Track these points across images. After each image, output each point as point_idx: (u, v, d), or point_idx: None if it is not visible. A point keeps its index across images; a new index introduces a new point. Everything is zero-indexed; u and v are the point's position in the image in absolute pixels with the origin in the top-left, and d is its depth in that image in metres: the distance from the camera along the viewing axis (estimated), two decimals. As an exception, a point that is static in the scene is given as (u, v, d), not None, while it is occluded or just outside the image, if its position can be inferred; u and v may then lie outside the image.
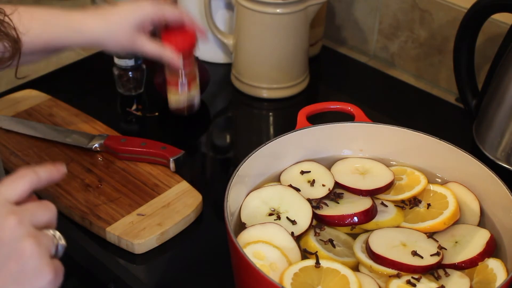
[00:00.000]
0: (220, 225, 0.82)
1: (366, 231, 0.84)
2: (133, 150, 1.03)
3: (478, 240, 0.82)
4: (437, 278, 0.77)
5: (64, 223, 0.95)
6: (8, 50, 0.69)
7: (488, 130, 1.07)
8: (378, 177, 0.91)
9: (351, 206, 0.86)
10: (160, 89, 1.18)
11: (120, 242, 0.92)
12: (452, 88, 1.25)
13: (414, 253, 0.79)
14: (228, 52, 1.29)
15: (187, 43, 1.03)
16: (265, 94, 1.23)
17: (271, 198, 0.86)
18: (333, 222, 0.84)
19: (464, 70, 1.12)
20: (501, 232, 0.84)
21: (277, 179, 0.91)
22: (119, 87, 1.21)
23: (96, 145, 1.05)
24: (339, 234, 0.84)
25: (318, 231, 0.83)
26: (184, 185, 1.00)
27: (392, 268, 0.77)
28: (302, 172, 0.91)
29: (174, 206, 0.96)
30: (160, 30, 1.02)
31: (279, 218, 0.83)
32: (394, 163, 0.95)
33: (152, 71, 1.20)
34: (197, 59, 1.18)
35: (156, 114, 1.18)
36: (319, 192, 0.89)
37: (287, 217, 0.83)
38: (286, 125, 0.97)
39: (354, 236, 0.83)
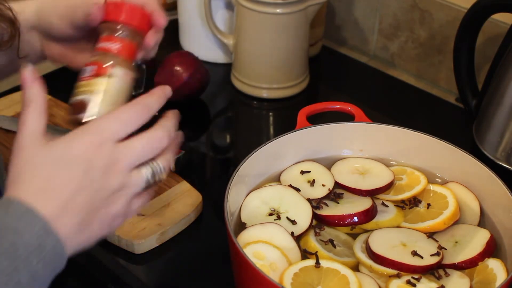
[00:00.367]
0: (220, 225, 0.82)
1: (366, 231, 0.84)
2: (133, 150, 1.03)
3: (478, 240, 0.82)
4: (438, 278, 0.77)
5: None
6: (6, 31, 0.69)
7: (488, 130, 1.07)
8: (378, 177, 0.91)
9: (351, 206, 0.86)
10: (160, 89, 1.18)
11: (120, 242, 0.92)
12: (452, 88, 1.25)
13: (414, 253, 0.79)
14: (228, 52, 1.29)
15: (136, 19, 0.74)
16: (265, 94, 1.23)
17: (271, 198, 0.86)
18: (333, 222, 0.84)
19: (464, 70, 1.12)
20: (501, 232, 0.84)
21: (277, 179, 0.91)
22: (119, 87, 1.21)
23: (96, 145, 1.05)
24: (339, 234, 0.84)
25: (318, 231, 0.83)
26: (184, 185, 1.00)
27: (392, 268, 0.77)
28: (302, 172, 0.91)
29: (174, 206, 0.96)
30: None
31: (279, 218, 0.83)
32: (394, 163, 0.95)
33: (152, 71, 1.20)
34: (197, 59, 1.19)
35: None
36: (319, 192, 0.89)
37: (287, 217, 0.83)
38: (286, 125, 0.97)
39: (354, 236, 0.83)
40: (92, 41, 0.76)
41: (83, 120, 0.67)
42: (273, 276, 0.75)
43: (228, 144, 1.19)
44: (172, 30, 1.39)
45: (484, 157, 1.05)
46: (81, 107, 0.68)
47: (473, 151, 0.94)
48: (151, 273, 0.91)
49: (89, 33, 0.78)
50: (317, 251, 0.79)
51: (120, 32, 0.71)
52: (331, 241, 0.81)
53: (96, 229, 0.63)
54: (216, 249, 0.90)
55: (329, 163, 0.93)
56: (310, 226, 0.83)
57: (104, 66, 0.69)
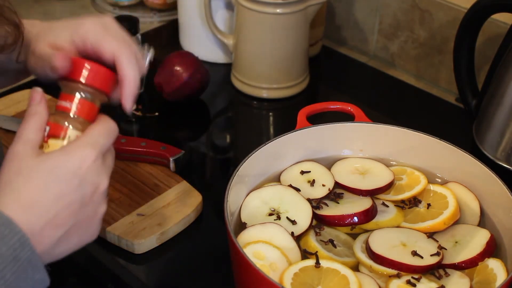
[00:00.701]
0: (220, 225, 0.82)
1: (366, 231, 0.84)
2: (133, 150, 1.03)
3: (478, 240, 0.82)
4: (439, 278, 0.77)
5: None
6: (10, 35, 0.69)
7: (488, 130, 1.07)
8: (378, 177, 0.91)
9: (351, 206, 0.86)
10: (160, 89, 1.18)
11: (120, 242, 0.92)
12: (452, 88, 1.25)
13: (414, 253, 0.79)
14: (228, 52, 1.29)
15: (101, 78, 0.68)
16: (265, 94, 1.23)
17: (271, 198, 0.86)
18: (333, 222, 0.84)
19: (464, 70, 1.12)
20: (501, 232, 0.84)
21: (277, 179, 0.91)
22: (119, 87, 1.21)
23: (96, 145, 1.05)
24: (339, 234, 0.84)
25: (318, 231, 0.83)
26: (184, 185, 1.00)
27: (392, 268, 0.77)
28: (302, 172, 0.91)
29: (174, 206, 0.96)
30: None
31: (279, 218, 0.83)
32: (394, 163, 0.95)
33: (152, 71, 1.20)
34: (197, 59, 1.19)
35: (156, 114, 1.18)
36: (319, 192, 0.89)
37: (287, 217, 0.83)
38: (286, 125, 0.97)
39: (354, 236, 0.83)
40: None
41: None
42: (273, 276, 0.75)
43: (228, 144, 1.19)
44: (172, 30, 1.39)
45: (484, 157, 1.05)
46: None
47: (473, 151, 0.94)
48: (151, 273, 0.91)
49: None
50: (317, 251, 0.79)
51: (80, 92, 0.67)
52: (331, 241, 0.81)
53: (76, 241, 0.64)
54: (216, 249, 0.90)
55: (329, 163, 0.93)
56: (310, 226, 0.83)
57: (59, 127, 0.65)
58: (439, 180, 0.92)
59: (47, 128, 0.65)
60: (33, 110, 0.64)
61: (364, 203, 0.86)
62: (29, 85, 1.21)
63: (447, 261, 0.80)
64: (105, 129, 0.65)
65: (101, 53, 0.68)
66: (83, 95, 0.66)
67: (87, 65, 0.66)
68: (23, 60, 0.75)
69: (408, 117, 1.20)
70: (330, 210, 0.85)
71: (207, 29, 1.27)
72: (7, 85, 0.84)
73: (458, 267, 0.79)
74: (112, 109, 1.21)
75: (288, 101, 1.24)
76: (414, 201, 0.88)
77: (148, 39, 1.36)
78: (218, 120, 1.23)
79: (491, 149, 1.06)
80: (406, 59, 1.33)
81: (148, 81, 1.22)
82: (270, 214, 0.84)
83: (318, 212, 0.85)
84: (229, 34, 1.26)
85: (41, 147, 0.64)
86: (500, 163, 1.05)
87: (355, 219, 0.84)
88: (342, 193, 0.89)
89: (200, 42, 1.31)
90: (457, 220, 0.86)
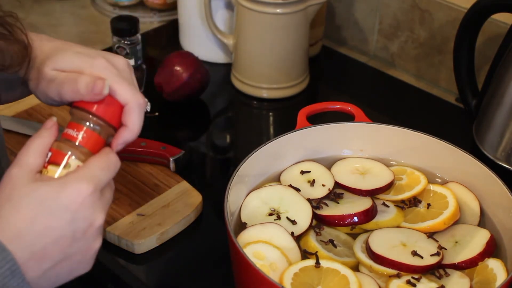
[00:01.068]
0: (220, 225, 0.82)
1: (366, 231, 0.84)
2: (133, 150, 1.03)
3: (478, 240, 0.82)
4: (439, 277, 0.77)
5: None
6: (17, 54, 0.68)
7: (488, 130, 1.07)
8: (378, 177, 0.91)
9: (351, 206, 0.86)
10: (160, 89, 1.18)
11: (120, 242, 0.92)
12: (452, 88, 1.25)
13: (414, 253, 0.79)
14: (228, 52, 1.29)
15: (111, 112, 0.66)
16: (265, 94, 1.23)
17: (271, 198, 0.86)
18: (333, 222, 0.84)
19: (464, 70, 1.12)
20: (501, 232, 0.84)
21: (277, 179, 0.91)
22: (119, 87, 1.21)
23: (96, 145, 1.05)
24: (339, 234, 0.84)
25: (318, 231, 0.83)
26: (184, 185, 1.00)
27: (392, 268, 0.77)
28: (302, 172, 0.91)
29: (174, 206, 0.96)
30: None
31: (279, 218, 0.83)
32: (394, 163, 0.95)
33: (152, 71, 1.20)
34: (197, 59, 1.19)
35: (156, 114, 1.18)
36: (319, 192, 0.89)
37: (287, 217, 0.83)
38: (286, 125, 0.97)
39: (354, 236, 0.83)
40: None
41: None
42: (273, 276, 0.75)
43: (228, 144, 1.19)
44: (172, 30, 1.39)
45: (484, 157, 1.05)
46: None
47: (473, 151, 0.94)
48: (151, 273, 0.91)
49: None
50: (317, 251, 0.79)
51: (89, 122, 0.64)
52: (331, 241, 0.81)
53: (66, 274, 0.62)
54: (216, 249, 0.90)
55: (329, 163, 0.93)
56: (310, 226, 0.83)
57: (61, 154, 0.63)
58: (439, 180, 0.92)
59: (49, 154, 0.63)
60: (38, 134, 0.63)
61: (364, 203, 0.86)
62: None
63: (447, 261, 0.80)
64: (106, 163, 0.63)
65: (113, 95, 0.66)
66: (91, 126, 0.64)
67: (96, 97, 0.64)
68: (26, 79, 0.75)
69: (408, 117, 1.20)
70: (330, 210, 0.85)
71: (207, 29, 1.27)
72: (13, 100, 0.83)
73: (458, 267, 0.79)
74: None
75: (288, 101, 1.24)
76: (414, 201, 0.88)
77: (148, 39, 1.36)
78: (218, 120, 1.23)
79: (491, 149, 1.06)
80: (406, 59, 1.33)
81: (148, 81, 1.22)
82: (270, 214, 0.84)
83: (318, 212, 0.85)
84: (229, 34, 1.26)
85: (41, 172, 0.62)
86: (500, 163, 1.05)
87: (355, 219, 0.84)
88: (342, 193, 0.89)
89: (200, 42, 1.31)
90: (457, 220, 0.86)
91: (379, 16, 1.33)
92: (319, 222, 0.85)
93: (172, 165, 1.02)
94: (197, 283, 0.90)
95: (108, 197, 0.64)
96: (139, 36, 1.18)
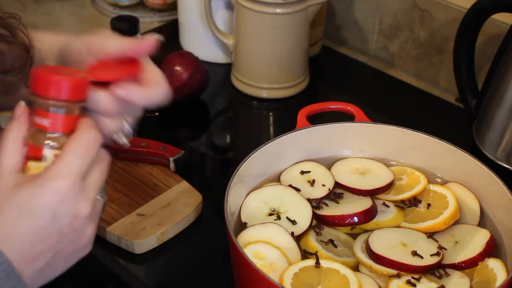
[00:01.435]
0: (220, 225, 0.82)
1: (366, 231, 0.84)
2: (133, 150, 1.03)
3: (478, 240, 0.82)
4: (439, 277, 0.77)
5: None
6: (19, 57, 0.68)
7: (488, 130, 1.07)
8: (378, 177, 0.91)
9: (351, 206, 0.86)
10: (160, 89, 1.18)
11: (120, 242, 0.92)
12: (452, 88, 1.25)
13: (414, 253, 0.79)
14: (228, 52, 1.29)
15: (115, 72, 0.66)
16: (265, 94, 1.23)
17: (271, 198, 0.86)
18: (333, 222, 0.84)
19: (464, 70, 1.12)
20: (501, 232, 0.84)
21: (277, 179, 0.91)
22: (119, 87, 1.21)
23: (96, 145, 1.05)
24: (339, 234, 0.84)
25: (318, 231, 0.83)
26: (184, 185, 1.00)
27: (392, 268, 0.77)
28: (302, 172, 0.91)
29: (174, 206, 0.96)
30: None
31: (279, 218, 0.83)
32: (394, 163, 0.95)
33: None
34: (197, 59, 1.19)
35: (156, 114, 1.18)
36: (319, 192, 0.88)
37: (287, 217, 0.83)
38: (286, 125, 0.97)
39: (354, 236, 0.83)
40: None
41: None
42: (273, 276, 0.75)
43: (228, 144, 1.19)
44: (172, 30, 1.39)
45: (484, 157, 1.05)
46: None
47: (473, 151, 0.94)
48: (151, 273, 0.91)
49: None
50: (317, 251, 0.79)
51: (52, 108, 0.60)
52: (331, 241, 0.81)
53: (61, 266, 0.62)
54: (216, 249, 0.90)
55: (329, 163, 0.93)
56: (310, 226, 0.83)
57: (37, 148, 0.61)
58: (439, 180, 0.92)
59: (25, 149, 0.61)
60: (10, 127, 0.60)
61: (364, 203, 0.86)
62: (29, 85, 1.21)
63: (447, 261, 0.80)
64: (83, 146, 0.60)
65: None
66: (57, 110, 0.61)
67: (50, 79, 0.60)
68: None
69: (408, 117, 1.20)
70: (330, 210, 0.85)
71: (207, 29, 1.27)
72: (9, 107, 0.83)
73: (458, 267, 0.79)
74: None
75: (288, 101, 1.24)
76: (414, 201, 0.88)
77: (148, 39, 1.36)
78: (218, 120, 1.23)
79: (491, 149, 1.06)
80: (406, 59, 1.33)
81: (148, 81, 1.21)
82: (270, 214, 0.84)
83: (318, 212, 0.85)
84: (229, 34, 1.26)
85: (23, 170, 0.61)
86: (500, 163, 1.05)
87: (355, 219, 0.84)
88: (342, 193, 0.89)
89: (200, 42, 1.31)
90: (457, 220, 0.86)
91: (379, 16, 1.33)
92: (319, 222, 0.85)
93: (172, 165, 1.02)
94: (197, 283, 0.90)
95: (96, 178, 0.62)
96: (139, 36, 1.18)
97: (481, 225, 0.85)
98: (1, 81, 0.74)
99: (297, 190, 0.88)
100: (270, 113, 1.25)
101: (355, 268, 0.79)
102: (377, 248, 0.79)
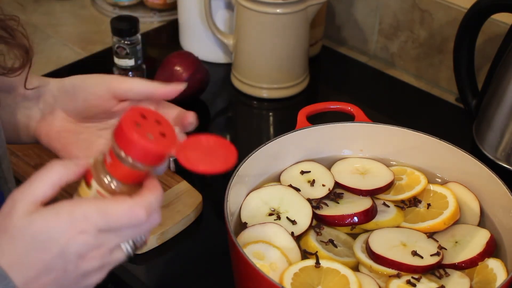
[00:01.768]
0: (220, 225, 0.82)
1: (366, 231, 0.84)
2: (133, 150, 1.03)
3: (478, 240, 0.82)
4: (439, 277, 0.77)
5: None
6: (19, 59, 0.68)
7: (488, 130, 1.07)
8: (378, 177, 0.91)
9: (351, 206, 0.86)
10: (160, 89, 1.17)
11: (120, 242, 0.92)
12: (452, 88, 1.25)
13: (414, 253, 0.79)
14: (228, 52, 1.29)
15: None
16: (265, 94, 1.23)
17: (271, 198, 0.86)
18: (333, 222, 0.84)
19: (464, 70, 1.12)
20: (501, 232, 0.84)
21: (277, 179, 0.91)
22: (119, 87, 1.21)
23: (96, 145, 1.05)
24: (339, 234, 0.84)
25: (318, 231, 0.83)
26: (184, 185, 1.00)
27: (392, 268, 0.77)
28: (302, 172, 0.91)
29: (174, 206, 0.96)
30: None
31: (279, 218, 0.83)
32: (394, 163, 0.95)
33: (152, 71, 1.20)
34: (197, 59, 1.19)
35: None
36: (319, 192, 0.89)
37: (287, 217, 0.83)
38: (286, 125, 0.97)
39: (354, 236, 0.83)
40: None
41: None
42: (273, 276, 0.75)
43: (228, 144, 1.19)
44: (172, 30, 1.39)
45: (484, 157, 1.05)
46: None
47: (473, 151, 0.94)
48: (151, 273, 0.91)
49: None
50: (317, 251, 0.79)
51: (122, 158, 0.59)
52: (331, 241, 0.81)
53: None
54: (216, 249, 0.90)
55: (329, 163, 0.93)
56: (310, 226, 0.83)
57: (92, 174, 0.61)
58: (439, 180, 0.92)
59: (81, 169, 0.61)
60: (64, 164, 0.61)
61: (364, 203, 0.86)
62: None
63: (447, 261, 0.80)
64: (109, 211, 0.59)
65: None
66: (125, 162, 0.59)
67: (134, 141, 0.58)
68: (35, 86, 0.76)
69: (408, 117, 1.20)
70: (330, 210, 0.85)
71: (207, 29, 1.27)
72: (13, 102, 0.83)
73: (458, 267, 0.79)
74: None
75: (288, 101, 1.24)
76: (414, 201, 0.88)
77: (148, 39, 1.36)
78: (218, 120, 1.23)
79: (491, 149, 1.06)
80: (406, 59, 1.33)
81: (148, 81, 1.21)
82: (270, 214, 0.84)
83: (318, 212, 0.85)
84: (229, 34, 1.26)
85: (78, 187, 0.61)
86: (500, 163, 1.05)
87: (355, 219, 0.84)
88: (342, 193, 0.89)
89: (200, 42, 1.31)
90: (457, 220, 0.86)
91: (379, 16, 1.33)
92: (319, 222, 0.85)
93: (172, 165, 1.02)
94: (197, 283, 0.90)
95: (124, 235, 0.60)
96: (139, 36, 1.18)
97: (481, 225, 0.85)
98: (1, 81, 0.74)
99: (297, 190, 0.88)
100: (270, 113, 1.25)
101: (355, 268, 0.79)
102: (377, 248, 0.79)
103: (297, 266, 0.76)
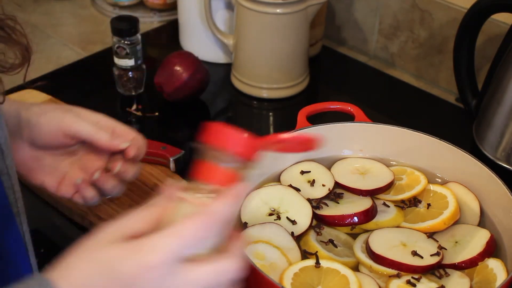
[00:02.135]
0: (220, 225, 0.81)
1: (366, 231, 0.84)
2: (133, 150, 1.03)
3: (478, 240, 0.82)
4: (439, 277, 0.77)
5: (64, 223, 0.95)
6: (18, 57, 0.69)
7: (488, 130, 1.07)
8: (378, 177, 0.91)
9: (351, 206, 0.86)
10: (160, 89, 1.18)
11: (120, 242, 0.91)
12: (452, 88, 1.25)
13: (414, 253, 0.79)
14: (228, 52, 1.29)
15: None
16: (265, 94, 1.23)
17: (271, 198, 0.86)
18: (333, 222, 0.84)
19: (464, 70, 1.12)
20: (501, 232, 0.84)
21: (277, 179, 0.91)
22: (119, 87, 1.21)
23: (96, 145, 1.05)
24: (339, 234, 0.84)
25: (318, 231, 0.83)
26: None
27: (392, 268, 0.77)
28: (302, 172, 0.91)
29: (174, 206, 0.96)
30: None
31: (279, 218, 0.83)
32: (394, 163, 0.95)
33: (152, 71, 1.20)
34: (197, 59, 1.19)
35: (156, 114, 1.18)
36: (319, 192, 0.89)
37: (287, 217, 0.83)
38: (286, 125, 0.97)
39: (354, 236, 0.83)
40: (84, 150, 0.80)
41: None
42: (273, 276, 0.75)
43: (228, 144, 1.18)
44: (172, 30, 1.39)
45: (484, 157, 1.05)
46: None
47: (473, 151, 0.94)
48: (151, 273, 0.91)
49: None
50: (317, 251, 0.79)
51: (221, 159, 0.59)
52: (331, 241, 0.81)
53: None
54: (216, 249, 0.90)
55: (329, 163, 0.93)
56: (310, 226, 0.83)
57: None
58: (439, 180, 0.92)
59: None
60: (159, 201, 0.59)
61: (364, 203, 0.86)
62: (30, 85, 1.21)
63: (447, 261, 0.80)
64: (182, 232, 0.55)
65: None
66: (229, 164, 0.59)
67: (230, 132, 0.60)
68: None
69: (408, 117, 1.20)
70: (330, 210, 0.85)
71: (207, 29, 1.27)
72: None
73: (458, 267, 0.79)
74: (112, 109, 1.22)
75: (288, 101, 1.24)
76: (414, 201, 0.88)
77: (148, 39, 1.36)
78: (218, 120, 1.23)
79: (491, 149, 1.06)
80: (406, 59, 1.33)
81: (148, 81, 1.22)
82: (270, 214, 0.84)
83: (318, 212, 0.85)
84: (229, 34, 1.26)
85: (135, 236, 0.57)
86: (500, 163, 1.05)
87: (355, 219, 0.84)
88: (342, 193, 0.89)
89: (200, 42, 1.31)
90: (457, 220, 0.86)
91: (379, 16, 1.33)
92: (319, 222, 0.85)
93: (172, 165, 1.02)
94: (197, 283, 0.89)
95: (199, 277, 0.55)
96: (139, 36, 1.18)
97: (481, 225, 0.85)
98: None
99: (297, 190, 0.88)
100: (270, 113, 1.25)
101: (355, 268, 0.79)
102: (377, 248, 0.79)
103: (297, 266, 0.76)
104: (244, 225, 0.83)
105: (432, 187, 0.90)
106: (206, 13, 1.24)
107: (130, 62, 1.18)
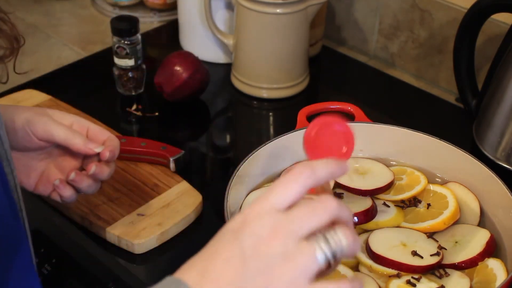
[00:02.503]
0: (220, 225, 0.81)
1: (366, 231, 0.84)
2: (133, 150, 1.03)
3: (478, 240, 0.82)
4: (439, 277, 0.77)
5: (64, 223, 0.95)
6: (8, 48, 0.69)
7: (488, 130, 1.07)
8: (378, 177, 0.91)
9: (351, 206, 0.86)
10: (160, 89, 1.18)
11: (120, 242, 0.92)
12: (452, 88, 1.25)
13: (414, 253, 0.79)
14: (228, 52, 1.29)
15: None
16: (265, 94, 1.23)
17: (271, 198, 0.86)
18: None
19: (464, 70, 1.12)
20: (501, 232, 0.84)
21: (277, 179, 0.91)
22: (119, 87, 1.21)
23: (96, 145, 1.05)
24: (339, 234, 0.84)
25: (318, 231, 0.83)
26: (184, 185, 1.00)
27: (392, 268, 0.78)
28: (302, 172, 0.91)
29: (174, 206, 0.96)
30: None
31: (279, 218, 0.83)
32: (394, 163, 0.95)
33: (152, 71, 1.20)
34: (197, 59, 1.19)
35: (156, 114, 1.18)
36: (319, 192, 0.88)
37: (287, 217, 0.83)
38: (286, 125, 0.97)
39: (354, 236, 0.83)
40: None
41: None
42: (273, 276, 0.74)
43: (228, 144, 1.19)
44: (172, 30, 1.39)
45: (484, 157, 1.05)
46: None
47: (473, 151, 0.94)
48: (151, 273, 0.91)
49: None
50: (317, 251, 0.79)
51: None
52: (331, 241, 0.81)
53: None
54: (216, 249, 0.90)
55: (329, 163, 0.93)
56: (310, 226, 0.83)
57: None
58: (439, 180, 0.92)
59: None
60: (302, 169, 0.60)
61: (364, 203, 0.86)
62: (29, 85, 1.21)
63: (447, 261, 0.80)
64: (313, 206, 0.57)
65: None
66: None
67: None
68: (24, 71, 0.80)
69: (408, 117, 1.20)
70: (330, 210, 0.85)
71: (207, 29, 1.27)
72: None
73: (458, 267, 0.79)
74: (112, 109, 1.21)
75: (288, 101, 1.24)
76: (414, 201, 0.88)
77: (148, 39, 1.36)
78: (218, 120, 1.23)
79: (491, 149, 1.06)
80: (406, 59, 1.33)
81: (148, 81, 1.22)
82: (270, 214, 0.84)
83: (318, 212, 0.85)
84: (229, 34, 1.26)
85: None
86: (500, 163, 1.05)
87: (355, 219, 0.84)
88: (342, 193, 0.89)
89: (200, 42, 1.31)
90: (457, 220, 0.86)
91: (379, 16, 1.33)
92: (319, 222, 0.85)
93: (172, 165, 1.02)
94: (197, 283, 0.90)
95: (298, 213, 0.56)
96: (139, 36, 1.18)
97: (481, 225, 0.86)
98: None
99: (297, 190, 0.87)
100: (270, 113, 1.25)
101: (355, 268, 0.79)
102: (377, 248, 0.79)
103: (297, 266, 0.76)
104: (244, 225, 0.82)
105: (432, 187, 0.90)
106: (206, 13, 1.24)
107: (130, 62, 1.18)
